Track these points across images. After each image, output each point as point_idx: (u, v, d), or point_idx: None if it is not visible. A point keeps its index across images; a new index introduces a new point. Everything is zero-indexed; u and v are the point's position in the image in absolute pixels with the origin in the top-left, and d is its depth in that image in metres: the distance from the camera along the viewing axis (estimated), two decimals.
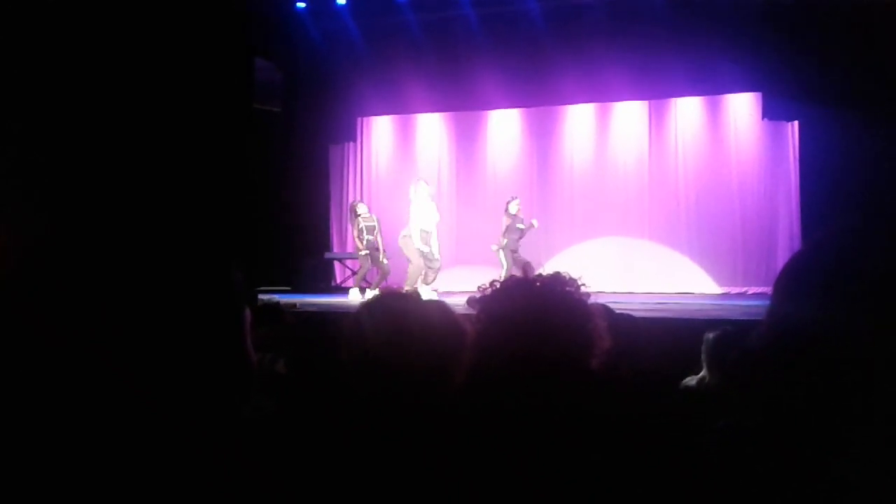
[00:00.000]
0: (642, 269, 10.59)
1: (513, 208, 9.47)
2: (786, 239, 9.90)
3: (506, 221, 9.42)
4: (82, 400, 0.90)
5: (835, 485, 1.05)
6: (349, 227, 10.31)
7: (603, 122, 11.09)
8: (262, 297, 6.34)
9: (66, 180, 7.07)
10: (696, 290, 10.36)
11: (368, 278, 9.62)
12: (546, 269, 1.59)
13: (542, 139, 11.28)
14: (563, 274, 1.54)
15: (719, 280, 10.40)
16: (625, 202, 10.85)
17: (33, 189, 6.95)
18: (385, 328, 1.65)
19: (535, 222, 9.50)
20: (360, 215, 9.58)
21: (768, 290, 1.17)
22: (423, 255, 8.92)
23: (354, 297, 9.00)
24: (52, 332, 0.90)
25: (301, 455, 1.38)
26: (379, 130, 12.02)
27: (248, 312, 1.06)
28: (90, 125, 7.43)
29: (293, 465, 1.32)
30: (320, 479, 1.38)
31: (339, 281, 11.55)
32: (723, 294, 10.16)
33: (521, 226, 9.43)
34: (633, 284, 10.31)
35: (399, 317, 1.66)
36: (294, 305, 7.06)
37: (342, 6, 10.78)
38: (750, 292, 9.99)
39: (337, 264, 11.70)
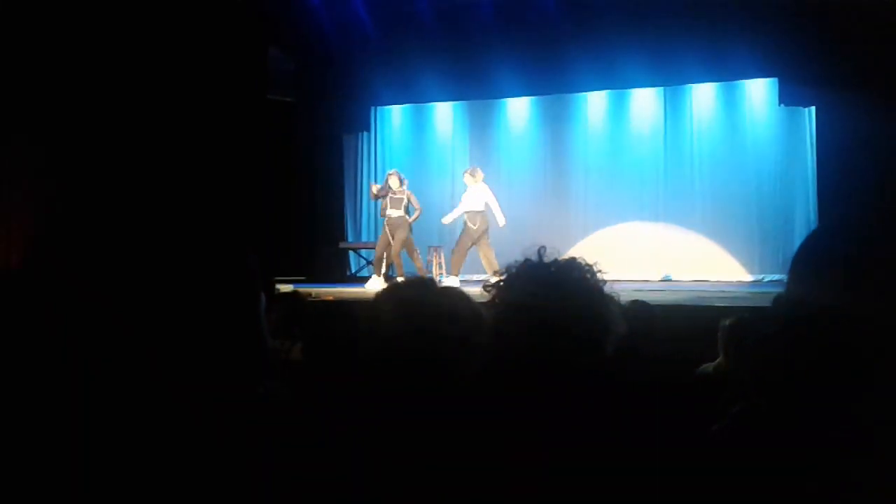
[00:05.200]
0: (657, 257, 10.55)
1: None
2: (803, 226, 9.82)
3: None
4: (100, 384, 0.91)
5: (850, 469, 1.05)
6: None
7: (618, 109, 11.03)
8: (278, 286, 6.35)
9: (85, 171, 7.11)
10: (712, 278, 10.31)
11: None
12: (561, 255, 1.59)
13: (556, 127, 11.23)
14: (579, 259, 1.54)
15: (735, 267, 10.35)
16: (640, 190, 10.80)
17: (56, 180, 7.00)
18: (402, 315, 1.65)
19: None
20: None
21: (785, 276, 1.17)
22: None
23: (372, 286, 9.02)
24: (71, 314, 0.91)
25: (316, 442, 1.39)
26: (393, 119, 12.01)
27: (263, 298, 1.07)
28: (105, 117, 7.47)
29: (308, 452, 1.33)
30: (335, 466, 1.39)
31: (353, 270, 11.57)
32: (739, 281, 10.11)
33: None
34: (648, 272, 10.28)
35: (416, 303, 1.66)
36: (309, 295, 7.08)
37: None
38: (766, 279, 9.94)
39: (352, 254, 11.72)
